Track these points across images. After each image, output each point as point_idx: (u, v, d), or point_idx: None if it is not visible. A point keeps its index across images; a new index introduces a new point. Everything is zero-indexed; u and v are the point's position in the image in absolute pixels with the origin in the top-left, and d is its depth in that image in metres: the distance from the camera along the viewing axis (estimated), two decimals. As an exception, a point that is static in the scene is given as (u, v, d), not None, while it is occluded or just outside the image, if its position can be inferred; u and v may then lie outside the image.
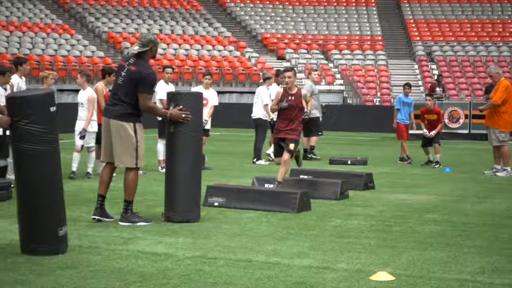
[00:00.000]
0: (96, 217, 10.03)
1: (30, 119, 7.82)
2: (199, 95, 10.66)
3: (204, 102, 16.78)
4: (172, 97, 10.36)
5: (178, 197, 10.14)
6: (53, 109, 8.03)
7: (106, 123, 9.97)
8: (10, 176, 13.70)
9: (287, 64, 47.25)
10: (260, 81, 43.94)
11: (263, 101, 18.65)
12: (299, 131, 12.63)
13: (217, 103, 17.51)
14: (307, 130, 19.76)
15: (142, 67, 9.90)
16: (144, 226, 9.73)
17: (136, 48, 10.08)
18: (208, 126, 17.30)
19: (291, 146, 12.25)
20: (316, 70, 20.99)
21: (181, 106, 10.09)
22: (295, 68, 12.50)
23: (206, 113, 16.94)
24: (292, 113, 12.42)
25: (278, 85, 19.43)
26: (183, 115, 10.00)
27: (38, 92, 8.33)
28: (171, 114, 10.08)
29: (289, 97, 12.42)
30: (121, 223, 9.86)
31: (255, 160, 18.58)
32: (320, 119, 20.47)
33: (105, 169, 10.26)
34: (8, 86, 14.06)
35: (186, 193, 10.16)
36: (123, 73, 9.95)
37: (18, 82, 14.36)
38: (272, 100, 12.49)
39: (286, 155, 12.27)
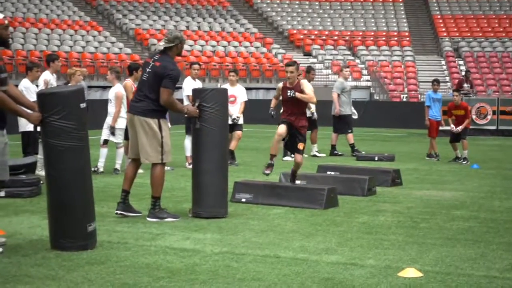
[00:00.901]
0: (119, 212, 10.10)
1: (61, 115, 7.88)
2: (223, 91, 10.70)
3: (232, 99, 16.93)
4: (197, 93, 10.40)
5: (205, 193, 10.17)
6: (83, 105, 8.10)
7: (131, 120, 10.04)
8: (40, 172, 13.83)
9: (314, 60, 47.23)
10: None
11: None
12: (306, 126, 12.02)
13: (246, 99, 17.51)
14: (338, 127, 19.68)
15: (166, 63, 9.96)
16: (172, 222, 9.78)
17: (162, 44, 10.14)
18: (241, 122, 17.33)
19: (300, 146, 11.76)
20: (347, 67, 20.90)
21: (196, 103, 10.14)
22: (297, 63, 12.12)
23: (235, 110, 17.03)
24: (294, 107, 11.92)
25: (309, 81, 19.42)
26: (197, 111, 10.08)
27: (68, 88, 8.40)
28: (188, 109, 10.15)
29: (289, 91, 11.89)
30: (149, 219, 9.92)
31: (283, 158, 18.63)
32: (353, 116, 20.30)
33: (131, 165, 10.33)
34: (42, 83, 14.19)
35: (213, 189, 10.19)
36: (148, 69, 10.01)
37: (50, 78, 14.48)
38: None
39: (298, 157, 11.79)
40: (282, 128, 11.66)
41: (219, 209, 10.22)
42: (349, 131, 19.88)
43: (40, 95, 8.19)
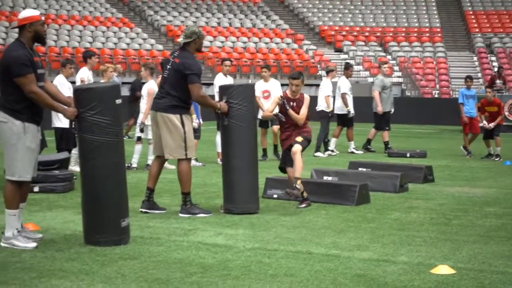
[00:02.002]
0: (144, 210, 10.16)
1: (97, 110, 7.95)
2: (250, 87, 10.73)
3: (266, 94, 17.00)
4: (224, 90, 10.43)
5: (236, 189, 10.20)
6: (118, 101, 8.16)
7: (154, 117, 10.10)
8: (73, 167, 13.96)
9: (345, 57, 47.10)
10: (319, 73, 43.92)
11: (324, 92, 18.66)
12: (308, 131, 11.24)
13: (281, 93, 17.47)
14: (379, 124, 19.53)
15: (185, 59, 10.01)
16: (204, 218, 9.82)
17: (180, 40, 10.22)
18: None
19: (299, 138, 11.01)
20: (386, 63, 20.69)
21: (224, 100, 10.17)
22: (304, 75, 11.59)
23: (269, 105, 17.01)
24: (293, 120, 11.17)
25: (348, 78, 19.40)
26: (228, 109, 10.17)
27: (104, 84, 8.49)
28: (221, 105, 10.19)
29: (291, 103, 11.18)
30: (181, 215, 9.97)
31: (315, 153, 18.64)
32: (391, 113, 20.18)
33: (155, 162, 10.38)
34: (79, 80, 14.29)
35: (244, 185, 10.21)
36: (168, 66, 10.09)
37: (88, 75, 14.59)
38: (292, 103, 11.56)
39: (295, 147, 10.93)
40: (290, 172, 11.04)
41: (250, 204, 10.24)
42: (386, 128, 19.70)
43: (76, 90, 8.28)
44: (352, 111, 19.11)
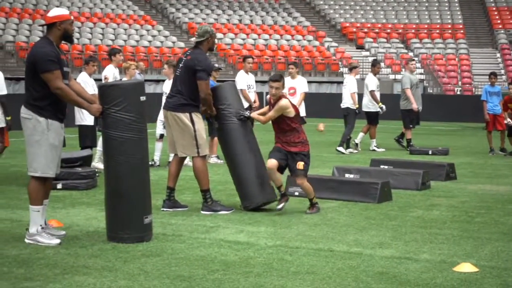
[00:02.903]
0: (165, 209, 10.20)
1: (121, 107, 8.00)
2: (227, 86, 10.68)
3: (292, 91, 17.08)
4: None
5: (246, 185, 10.21)
6: (143, 98, 8.21)
7: (166, 116, 10.17)
8: (96, 163, 14.04)
9: (366, 54, 47.00)
10: (340, 70, 43.84)
11: (350, 89, 18.65)
12: (303, 142, 10.23)
13: (306, 90, 17.51)
14: (409, 122, 19.38)
15: (196, 55, 10.11)
16: (226, 215, 9.84)
17: (193, 40, 10.33)
18: (301, 114, 17.37)
19: (300, 165, 10.11)
20: (413, 60, 20.51)
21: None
22: (283, 76, 10.70)
23: (294, 102, 17.11)
24: (280, 124, 10.26)
25: (375, 75, 19.35)
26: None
27: (129, 81, 8.55)
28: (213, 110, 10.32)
29: (271, 107, 10.38)
30: (203, 212, 10.00)
31: (337, 148, 18.67)
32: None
33: (173, 161, 10.42)
34: (103, 78, 14.37)
35: (253, 179, 10.22)
36: (180, 65, 10.19)
37: (113, 72, 14.66)
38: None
39: (299, 180, 10.19)
40: (271, 163, 10.04)
41: (265, 194, 10.25)
42: (410, 126, 19.55)
43: (101, 87, 8.34)
44: (384, 108, 19.05)
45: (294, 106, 10.34)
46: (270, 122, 10.37)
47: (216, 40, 10.44)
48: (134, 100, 8.10)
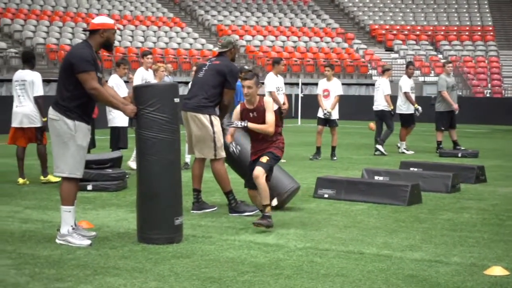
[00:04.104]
0: (195, 212, 10.22)
1: (155, 108, 8.05)
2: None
3: (325, 93, 17.19)
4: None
5: (275, 180, 10.19)
6: (177, 100, 8.27)
7: (185, 117, 10.19)
8: (131, 162, 14.20)
9: (395, 56, 46.83)
10: (369, 72, 43.72)
11: (384, 91, 18.62)
12: (280, 146, 9.35)
13: (340, 93, 17.54)
14: (442, 124, 19.24)
15: (227, 62, 10.24)
16: (252, 215, 9.82)
17: (216, 50, 10.45)
18: (334, 117, 17.41)
19: (264, 158, 9.10)
20: (450, 62, 20.39)
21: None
22: (257, 73, 9.60)
23: (328, 104, 17.22)
24: (259, 134, 9.28)
25: (409, 77, 19.32)
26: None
27: (164, 83, 8.62)
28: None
29: (251, 114, 9.30)
30: (230, 214, 10.03)
31: (377, 146, 18.69)
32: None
33: (196, 163, 10.43)
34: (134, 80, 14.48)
35: (276, 173, 10.08)
36: (204, 69, 10.26)
37: (142, 75, 14.73)
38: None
39: (256, 170, 9.03)
40: (251, 188, 9.36)
41: (293, 180, 10.52)
42: (442, 128, 19.40)
43: (136, 88, 8.41)
44: (420, 110, 19.01)
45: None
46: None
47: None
48: (168, 101, 8.15)
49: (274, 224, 8.93)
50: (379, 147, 18.65)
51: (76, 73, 7.97)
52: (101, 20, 8.38)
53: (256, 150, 9.34)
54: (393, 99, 18.96)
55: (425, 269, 7.16)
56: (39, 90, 12.80)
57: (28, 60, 13.01)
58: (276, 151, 9.22)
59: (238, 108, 9.46)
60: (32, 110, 12.78)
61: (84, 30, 9.16)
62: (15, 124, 12.95)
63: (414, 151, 19.45)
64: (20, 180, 12.88)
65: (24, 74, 12.88)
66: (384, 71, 19.38)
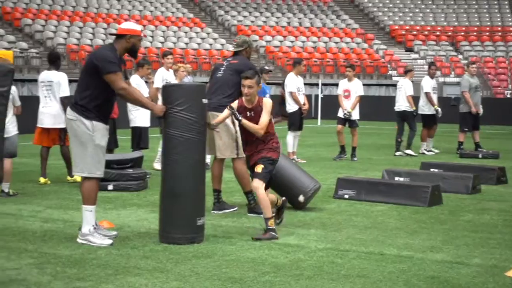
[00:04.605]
0: (216, 212, 10.24)
1: (184, 107, 8.10)
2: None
3: (346, 93, 17.21)
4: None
5: (295, 180, 10.33)
6: (205, 100, 8.31)
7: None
8: (156, 163, 14.26)
9: (415, 56, 46.70)
10: (389, 72, 43.63)
11: (406, 92, 18.58)
12: (275, 148, 8.99)
13: (361, 93, 17.51)
14: (465, 125, 19.17)
15: (245, 61, 10.29)
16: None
17: (232, 49, 10.54)
18: (355, 117, 17.39)
19: (259, 168, 8.75)
20: (474, 63, 20.28)
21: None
22: (258, 72, 9.25)
23: (348, 104, 17.21)
24: (253, 136, 8.98)
25: (432, 77, 19.27)
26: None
27: (193, 83, 8.70)
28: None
29: (248, 113, 8.98)
30: (249, 215, 10.03)
31: (405, 150, 18.67)
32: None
33: (215, 164, 10.42)
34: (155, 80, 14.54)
35: (296, 173, 10.32)
36: (222, 69, 10.32)
37: (162, 75, 14.77)
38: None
39: (255, 183, 8.75)
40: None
41: (314, 179, 10.50)
42: (465, 129, 19.30)
43: (165, 87, 8.48)
44: (440, 110, 18.96)
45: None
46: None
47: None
48: (197, 101, 8.20)
49: (279, 237, 8.51)
50: (408, 151, 18.58)
51: (103, 74, 8.00)
52: (128, 25, 8.42)
53: (250, 153, 9.06)
54: (415, 99, 18.91)
55: (446, 271, 7.14)
56: (66, 91, 12.87)
57: (54, 61, 13.07)
58: (269, 154, 8.86)
59: (236, 104, 9.03)
60: (58, 111, 12.84)
61: (111, 34, 9.22)
62: (40, 124, 13.02)
63: (434, 152, 19.36)
64: (42, 180, 12.96)
65: (50, 75, 12.95)
66: (407, 71, 19.32)
